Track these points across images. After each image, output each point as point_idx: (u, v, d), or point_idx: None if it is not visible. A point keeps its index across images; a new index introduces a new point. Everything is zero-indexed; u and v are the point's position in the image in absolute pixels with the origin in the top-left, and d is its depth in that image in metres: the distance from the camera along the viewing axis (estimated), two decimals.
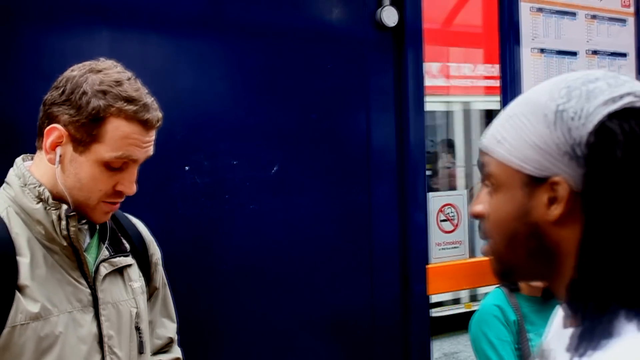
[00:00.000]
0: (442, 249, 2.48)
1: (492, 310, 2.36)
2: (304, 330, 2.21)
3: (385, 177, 2.36)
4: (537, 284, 2.36)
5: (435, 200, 2.48)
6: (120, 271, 1.40)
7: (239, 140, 2.09)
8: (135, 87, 1.28)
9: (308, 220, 2.22)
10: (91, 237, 1.36)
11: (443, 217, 2.49)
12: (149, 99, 1.29)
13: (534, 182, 0.83)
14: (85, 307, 1.30)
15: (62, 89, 1.25)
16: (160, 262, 1.59)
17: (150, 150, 1.32)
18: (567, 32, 2.75)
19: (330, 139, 2.27)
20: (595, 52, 2.83)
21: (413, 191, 2.37)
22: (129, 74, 1.30)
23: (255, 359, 2.12)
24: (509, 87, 2.62)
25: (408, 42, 2.36)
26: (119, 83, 1.25)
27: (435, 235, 2.47)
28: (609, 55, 2.88)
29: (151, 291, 1.54)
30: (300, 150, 2.20)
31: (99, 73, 1.26)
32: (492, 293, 2.47)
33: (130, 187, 1.30)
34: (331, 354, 2.27)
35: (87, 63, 1.30)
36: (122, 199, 1.32)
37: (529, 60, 2.63)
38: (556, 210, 0.82)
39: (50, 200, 1.25)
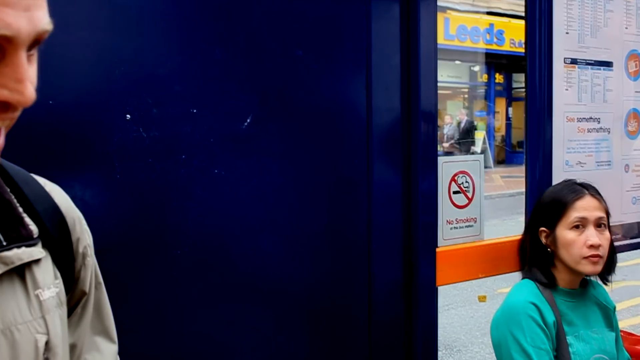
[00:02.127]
0: (454, 227, 1.99)
1: (527, 309, 1.86)
2: (286, 321, 1.72)
3: (387, 136, 1.85)
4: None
5: (446, 167, 1.97)
6: (19, 272, 0.84)
7: (201, 81, 1.55)
8: None
9: (289, 189, 1.70)
10: None
11: (456, 188, 1.99)
12: None
13: None
14: None
15: None
16: (90, 250, 1.01)
17: (40, 18, 0.73)
18: None
19: (321, 83, 1.74)
20: None
21: (422, 156, 1.87)
22: None
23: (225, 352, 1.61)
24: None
25: None
26: None
27: (445, 211, 1.97)
28: None
29: (76, 298, 0.99)
30: (281, 96, 1.67)
31: None
32: (522, 285, 1.97)
33: (19, 88, 0.72)
34: (320, 348, 1.79)
35: None
36: (11, 117, 0.74)
37: None
38: None
39: None
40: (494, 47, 21.28)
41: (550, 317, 1.87)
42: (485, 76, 23.70)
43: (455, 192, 2.00)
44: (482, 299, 2.65)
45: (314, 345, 1.78)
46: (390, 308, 1.88)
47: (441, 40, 19.21)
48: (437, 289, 1.93)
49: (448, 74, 21.95)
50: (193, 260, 1.55)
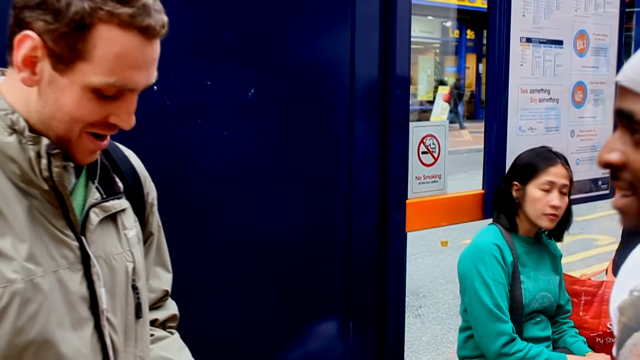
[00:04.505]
0: (422, 182, 2.34)
1: (491, 249, 2.23)
2: (278, 260, 2.05)
3: (367, 104, 2.17)
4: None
5: (416, 131, 2.30)
6: (113, 217, 1.14)
7: (213, 58, 1.84)
8: None
9: (285, 148, 2.02)
10: (77, 176, 1.09)
11: (424, 149, 2.33)
12: None
13: None
14: (73, 264, 1.04)
15: None
16: (155, 202, 1.34)
17: (153, 74, 1.03)
18: None
19: (311, 59, 2.04)
20: None
21: (396, 120, 2.19)
22: None
23: (230, 293, 1.95)
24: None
25: None
26: None
27: (415, 169, 2.31)
28: None
29: (145, 237, 1.30)
30: (279, 71, 1.97)
31: None
32: (488, 230, 2.35)
33: (127, 119, 1.02)
34: (308, 283, 2.12)
35: None
36: (114, 132, 1.05)
37: None
38: None
39: (27, 133, 0.98)
40: (466, 3, 21.40)
41: (509, 258, 2.24)
42: (456, 32, 23.86)
43: (423, 153, 2.33)
44: (444, 244, 3.02)
45: (300, 284, 2.11)
46: (367, 249, 2.22)
47: None
48: (406, 234, 2.28)
49: (420, 29, 22.07)
50: (207, 206, 1.86)
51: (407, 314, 5.19)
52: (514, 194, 2.32)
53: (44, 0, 0.93)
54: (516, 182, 2.31)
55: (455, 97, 19.79)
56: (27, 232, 0.99)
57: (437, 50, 24.61)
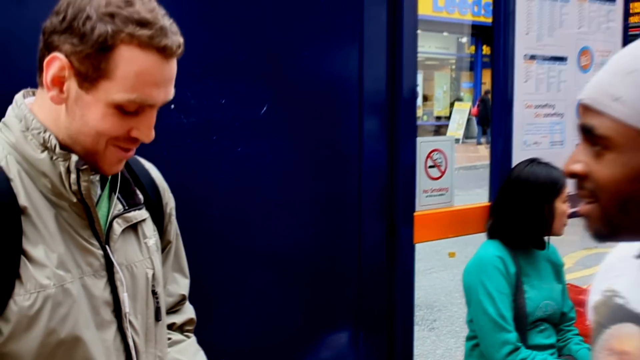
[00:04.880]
0: (429, 196, 2.41)
1: (494, 261, 2.29)
2: (290, 272, 2.13)
3: (375, 120, 2.25)
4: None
5: (423, 146, 2.39)
6: (134, 227, 1.24)
7: (228, 78, 1.94)
8: (149, 7, 1.07)
9: (297, 163, 2.11)
10: (102, 188, 1.19)
11: (431, 163, 2.41)
12: (167, 21, 1.09)
13: None
14: (97, 271, 1.13)
15: (62, 15, 1.05)
16: (174, 212, 1.43)
17: (171, 92, 1.13)
18: None
19: (321, 77, 2.14)
20: None
21: (403, 135, 2.28)
22: None
23: (244, 304, 2.03)
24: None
25: None
26: (129, 3, 1.05)
27: (422, 182, 2.39)
28: None
29: (164, 245, 1.39)
30: (291, 89, 2.07)
31: None
32: (490, 243, 2.41)
33: (147, 133, 1.12)
34: (319, 294, 2.20)
35: None
36: (137, 145, 1.14)
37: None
38: None
39: (58, 150, 1.07)
40: (482, 19, 21.44)
41: (512, 269, 2.30)
42: (472, 48, 23.89)
43: (430, 167, 2.41)
44: (451, 255, 3.08)
45: (312, 295, 2.18)
46: (376, 261, 2.30)
47: (429, 11, 19.40)
48: (414, 246, 2.35)
49: (436, 46, 22.17)
50: (221, 218, 1.96)
51: (421, 327, 5.26)
52: (547, 214, 2.33)
53: (70, 25, 1.03)
54: (545, 202, 2.33)
55: (483, 110, 19.53)
56: (57, 241, 1.08)
57: (453, 66, 24.66)
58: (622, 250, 0.98)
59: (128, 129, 1.10)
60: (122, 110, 1.07)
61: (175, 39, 1.10)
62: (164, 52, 1.07)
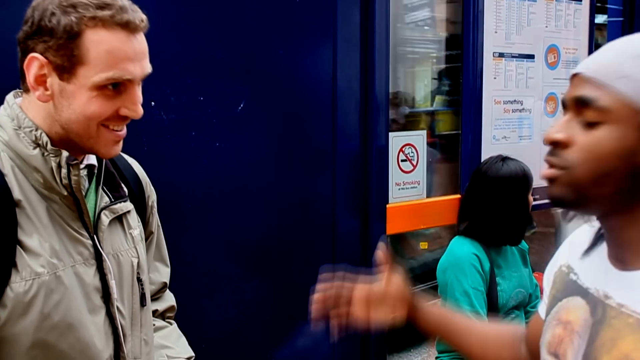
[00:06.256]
0: (401, 188, 2.51)
1: (470, 259, 2.29)
2: (266, 263, 2.21)
3: (349, 116, 2.34)
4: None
5: (396, 140, 2.48)
6: (119, 218, 1.30)
7: (206, 76, 2.02)
8: None
9: (273, 158, 2.19)
10: (89, 182, 1.26)
11: (403, 157, 2.50)
12: (125, 2, 1.14)
13: None
14: (87, 259, 1.20)
15: (30, 20, 1.11)
16: (155, 204, 1.49)
17: (147, 65, 1.17)
18: None
19: (297, 75, 2.22)
20: None
21: (376, 130, 2.36)
22: None
23: (221, 292, 2.11)
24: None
25: None
26: None
27: (395, 175, 2.48)
28: None
29: (147, 235, 1.46)
30: (267, 87, 2.15)
31: None
32: (463, 239, 2.38)
33: (134, 109, 1.15)
34: (294, 283, 2.26)
35: None
36: (126, 122, 1.18)
37: None
38: None
39: (49, 146, 1.13)
40: None
41: (487, 265, 2.32)
42: None
43: (402, 160, 2.50)
44: (423, 245, 3.16)
45: (287, 284, 2.26)
46: (350, 251, 2.39)
47: None
48: (387, 236, 2.44)
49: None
50: (200, 211, 2.04)
51: None
52: (526, 207, 2.36)
53: (39, 26, 1.10)
54: (524, 196, 2.35)
55: None
56: (50, 232, 1.15)
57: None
58: (589, 229, 1.01)
59: (115, 108, 1.14)
60: (105, 91, 1.12)
61: (137, 15, 1.15)
62: (128, 27, 1.12)
